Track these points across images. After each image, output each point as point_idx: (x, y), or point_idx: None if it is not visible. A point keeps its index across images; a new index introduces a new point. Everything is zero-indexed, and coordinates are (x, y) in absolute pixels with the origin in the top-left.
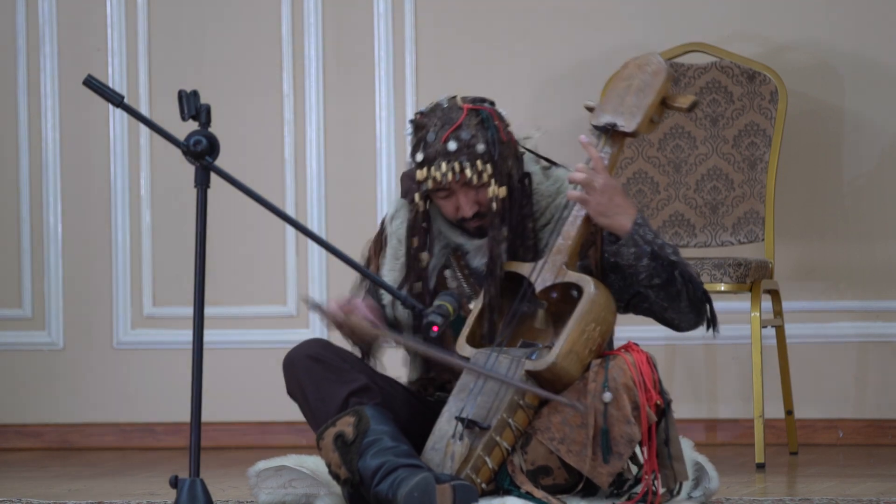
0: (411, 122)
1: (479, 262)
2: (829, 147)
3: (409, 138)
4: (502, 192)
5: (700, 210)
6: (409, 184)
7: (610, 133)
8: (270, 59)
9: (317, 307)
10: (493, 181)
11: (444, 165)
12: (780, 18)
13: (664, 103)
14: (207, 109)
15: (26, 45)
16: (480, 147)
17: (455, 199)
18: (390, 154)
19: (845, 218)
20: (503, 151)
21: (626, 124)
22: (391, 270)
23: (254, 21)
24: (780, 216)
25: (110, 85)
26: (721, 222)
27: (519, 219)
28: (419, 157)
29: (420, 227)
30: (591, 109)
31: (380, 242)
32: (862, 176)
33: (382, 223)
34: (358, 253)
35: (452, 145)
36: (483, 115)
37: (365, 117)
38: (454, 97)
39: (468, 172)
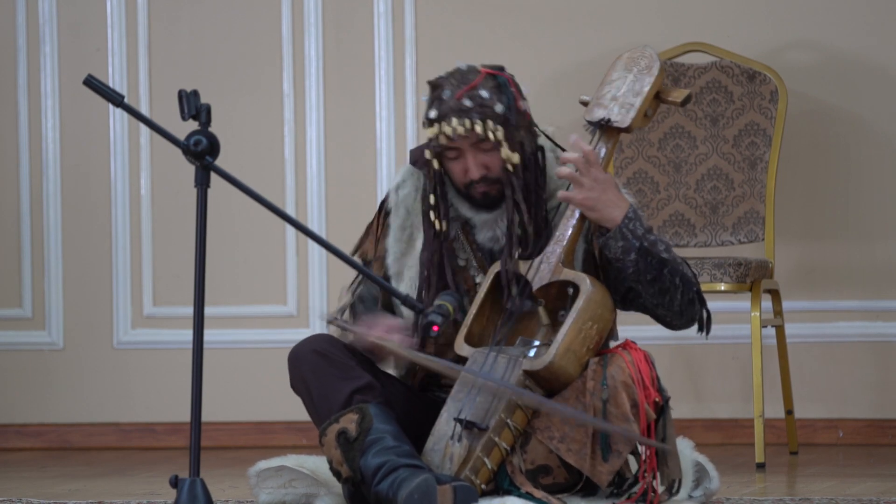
0: (428, 83)
1: (484, 236)
2: (829, 147)
3: (425, 101)
4: (514, 157)
5: (700, 210)
6: (418, 154)
7: (604, 128)
8: (270, 59)
9: (338, 326)
10: (504, 144)
11: (455, 121)
12: (780, 18)
13: (658, 97)
14: (207, 109)
15: (26, 45)
16: (495, 108)
17: (464, 161)
18: (390, 154)
19: (845, 218)
20: (517, 119)
21: (620, 119)
22: (397, 241)
23: (254, 21)
24: (780, 216)
25: (110, 85)
26: (721, 222)
27: (534, 189)
28: (432, 113)
29: (435, 189)
30: (585, 104)
31: (381, 216)
32: (862, 176)
33: (385, 198)
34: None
35: (467, 102)
36: (500, 79)
37: (365, 117)
38: (473, 64)
39: (479, 129)
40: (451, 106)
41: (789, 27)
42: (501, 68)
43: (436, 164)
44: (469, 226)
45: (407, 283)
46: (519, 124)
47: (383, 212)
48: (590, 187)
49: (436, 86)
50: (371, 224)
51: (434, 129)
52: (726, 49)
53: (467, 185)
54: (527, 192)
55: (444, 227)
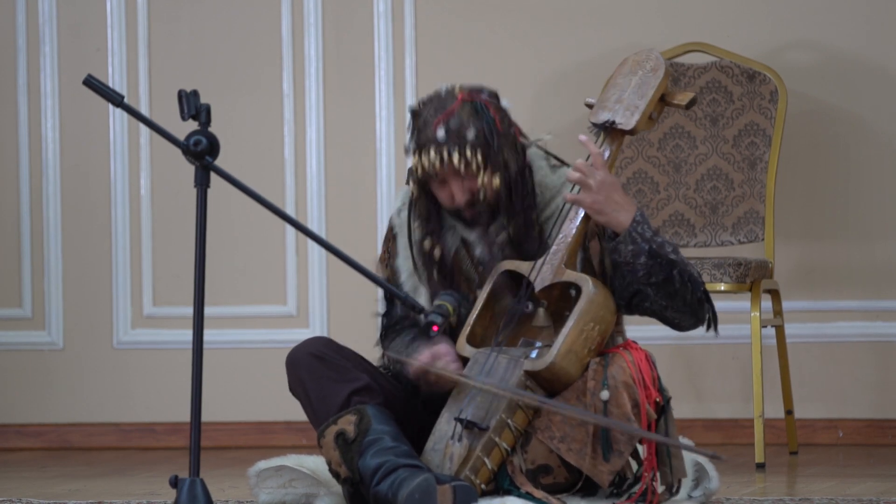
0: (410, 109)
1: (481, 251)
2: (829, 147)
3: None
4: (495, 181)
5: (700, 210)
6: None
7: (609, 130)
8: (270, 59)
9: (398, 360)
10: (482, 171)
11: (432, 153)
12: (780, 18)
13: (663, 100)
14: (207, 109)
15: (26, 45)
16: (470, 135)
17: (448, 188)
18: (390, 154)
19: (845, 218)
20: (498, 141)
21: (625, 121)
22: (406, 259)
23: (254, 21)
24: (780, 216)
25: (110, 85)
26: (721, 222)
27: (521, 209)
28: (412, 144)
29: (421, 214)
30: (590, 106)
31: (389, 240)
32: (862, 176)
33: (391, 220)
34: (357, 252)
35: (440, 133)
36: (477, 104)
37: (365, 117)
38: (454, 86)
39: (455, 160)
40: (428, 136)
41: (789, 27)
42: (480, 90)
43: (416, 193)
44: (466, 243)
45: (425, 295)
46: (500, 145)
47: (389, 238)
48: (597, 190)
49: (416, 114)
50: (384, 247)
51: (414, 160)
52: (726, 49)
53: (454, 210)
54: (513, 209)
55: (438, 253)
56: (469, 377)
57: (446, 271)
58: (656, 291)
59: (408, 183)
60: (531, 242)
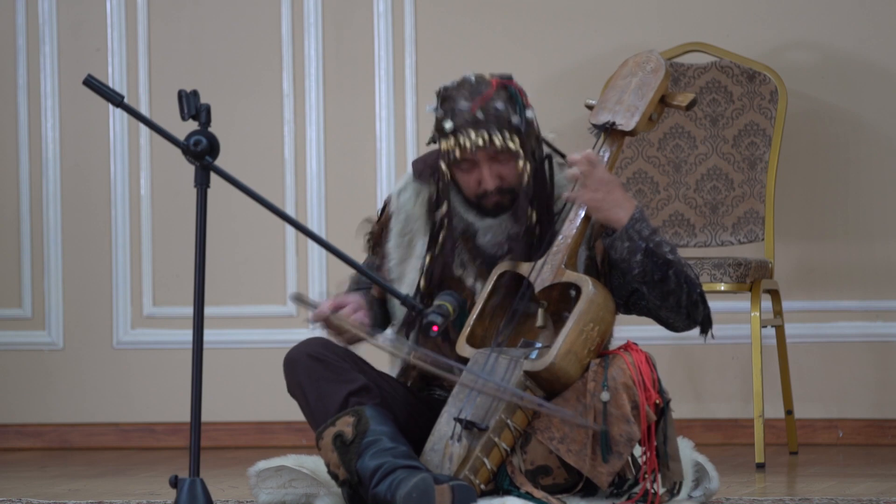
0: (437, 93)
1: (487, 240)
2: (829, 147)
3: (434, 111)
4: (528, 167)
5: (700, 210)
6: (421, 167)
7: (609, 131)
8: (270, 59)
9: (304, 302)
10: (521, 154)
11: (473, 133)
12: (780, 18)
13: (663, 101)
14: (207, 109)
15: (26, 45)
16: (512, 119)
17: (478, 172)
18: (390, 154)
19: (845, 218)
20: (528, 129)
21: (625, 123)
22: (397, 247)
23: (254, 21)
24: (780, 216)
25: (110, 85)
26: (721, 222)
27: (543, 197)
28: (447, 125)
29: (442, 198)
30: (591, 108)
31: (385, 221)
32: (862, 176)
33: (387, 200)
34: (357, 252)
35: (482, 114)
36: (511, 90)
37: (365, 117)
38: (480, 74)
39: (497, 141)
40: (468, 118)
41: (789, 27)
42: (510, 77)
43: (448, 176)
44: (469, 232)
45: (406, 287)
46: (530, 133)
47: (385, 214)
48: (595, 188)
49: (446, 97)
50: (377, 228)
51: (450, 142)
52: (726, 49)
53: (480, 195)
54: (536, 199)
55: (445, 241)
56: (370, 333)
57: (444, 246)
58: (651, 290)
59: (418, 178)
60: (545, 228)
